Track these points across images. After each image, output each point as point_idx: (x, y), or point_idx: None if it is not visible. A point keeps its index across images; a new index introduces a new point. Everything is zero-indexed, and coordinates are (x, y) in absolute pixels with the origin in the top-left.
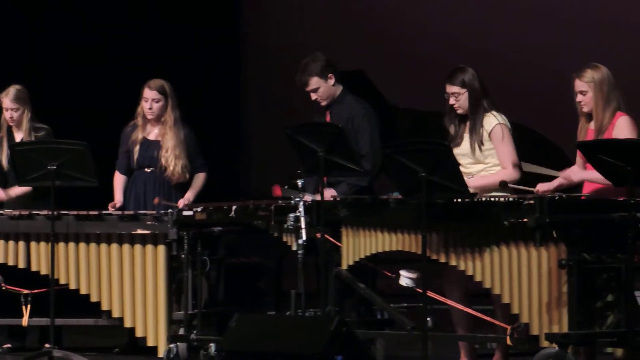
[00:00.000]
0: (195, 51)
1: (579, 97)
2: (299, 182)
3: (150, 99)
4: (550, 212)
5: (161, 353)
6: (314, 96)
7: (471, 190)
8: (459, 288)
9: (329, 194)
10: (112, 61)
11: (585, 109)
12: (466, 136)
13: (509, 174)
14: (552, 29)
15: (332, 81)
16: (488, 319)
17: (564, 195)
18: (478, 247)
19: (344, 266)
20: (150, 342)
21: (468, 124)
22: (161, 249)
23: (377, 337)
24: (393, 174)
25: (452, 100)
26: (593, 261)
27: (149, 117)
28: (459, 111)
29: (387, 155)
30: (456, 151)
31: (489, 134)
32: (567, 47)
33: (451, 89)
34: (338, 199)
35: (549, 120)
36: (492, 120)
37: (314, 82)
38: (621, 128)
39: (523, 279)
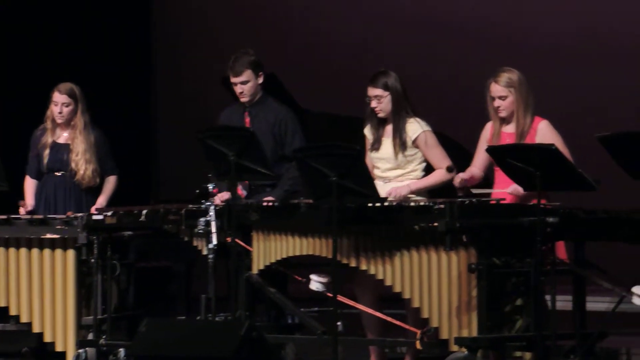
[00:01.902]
0: (105, 54)
1: (498, 102)
2: (210, 186)
3: (60, 102)
4: (460, 216)
5: (70, 358)
6: (240, 89)
7: (410, 194)
8: (370, 292)
9: (265, 198)
10: (21, 64)
11: (503, 114)
12: (386, 140)
13: (446, 173)
14: (459, 38)
15: (260, 79)
16: (398, 323)
17: (474, 200)
18: (388, 251)
19: (255, 270)
20: (58, 348)
21: (388, 128)
22: (70, 253)
23: (288, 341)
24: (304, 178)
25: (374, 103)
26: (502, 265)
27: (59, 121)
28: (380, 115)
29: (298, 160)
30: (375, 155)
31: (414, 141)
32: (474, 55)
33: (373, 91)
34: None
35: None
36: (417, 128)
37: (247, 74)
38: (545, 133)
39: (433, 283)
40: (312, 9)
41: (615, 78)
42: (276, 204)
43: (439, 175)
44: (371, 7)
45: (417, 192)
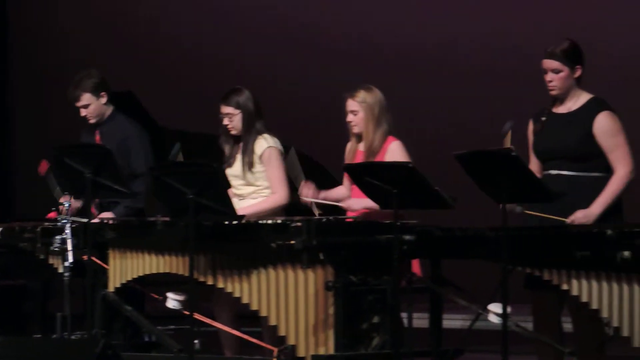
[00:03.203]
0: None
1: (350, 117)
2: (65, 204)
3: None
4: (317, 234)
5: None
6: (83, 112)
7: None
8: (228, 310)
9: (105, 216)
10: None
11: (355, 130)
12: (239, 157)
13: (279, 199)
14: (322, 55)
15: (104, 99)
16: (255, 341)
17: (330, 218)
18: (246, 269)
19: (111, 288)
20: None
21: (241, 145)
22: None
23: (144, 359)
24: (161, 196)
25: (226, 121)
26: (359, 283)
27: None
28: (233, 132)
29: (155, 177)
30: (229, 172)
31: (260, 157)
32: (337, 73)
33: (225, 109)
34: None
35: (320, 144)
36: (263, 144)
37: (86, 98)
38: (394, 153)
39: (290, 301)
40: (173, 26)
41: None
42: (114, 221)
43: (270, 202)
44: (233, 24)
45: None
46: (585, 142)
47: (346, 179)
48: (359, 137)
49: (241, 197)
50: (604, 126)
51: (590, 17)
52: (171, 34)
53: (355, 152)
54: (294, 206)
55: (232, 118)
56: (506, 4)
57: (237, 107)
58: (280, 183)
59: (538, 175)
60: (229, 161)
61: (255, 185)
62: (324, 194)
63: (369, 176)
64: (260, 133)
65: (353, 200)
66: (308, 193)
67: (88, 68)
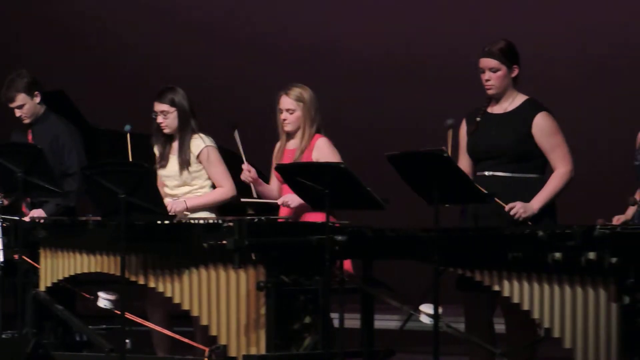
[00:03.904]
0: None
1: (285, 115)
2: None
3: None
4: (249, 234)
5: None
6: (18, 113)
7: (186, 211)
8: (161, 310)
9: (37, 214)
10: None
11: (288, 128)
12: (172, 157)
13: (226, 191)
14: (253, 55)
15: (37, 99)
16: (187, 340)
17: (262, 218)
18: (177, 269)
19: (42, 288)
20: None
21: (174, 144)
22: None
23: (75, 359)
24: (93, 196)
25: (160, 119)
26: (291, 283)
27: None
28: (166, 130)
29: (87, 177)
30: (162, 173)
31: (197, 157)
32: (270, 72)
33: (160, 107)
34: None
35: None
36: (200, 143)
37: (20, 98)
38: (321, 150)
39: (222, 301)
40: (106, 24)
41: (410, 97)
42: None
43: (218, 194)
44: (167, 22)
45: (195, 209)
46: (523, 142)
47: (275, 179)
48: (288, 135)
49: (175, 197)
50: (544, 126)
51: (521, 19)
52: (103, 31)
53: (283, 151)
54: (226, 206)
55: (167, 116)
56: (439, 6)
57: (172, 104)
58: (225, 178)
59: (469, 175)
60: (162, 162)
61: (191, 185)
62: (261, 185)
63: (300, 176)
64: (195, 132)
65: (290, 196)
66: (248, 176)
67: (18, 68)
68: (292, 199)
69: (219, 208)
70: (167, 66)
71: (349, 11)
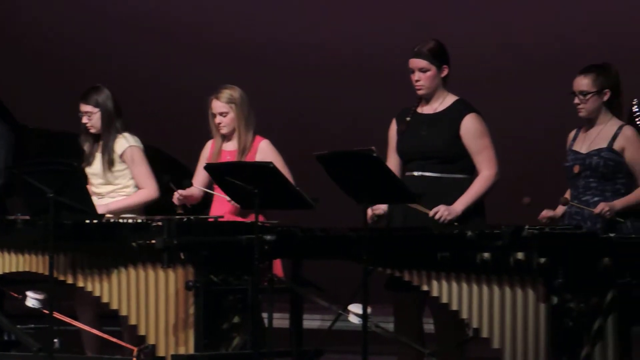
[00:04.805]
0: None
1: (219, 119)
2: None
3: None
4: (178, 234)
5: None
6: None
7: (109, 214)
8: (90, 309)
9: None
10: None
11: (224, 131)
12: (98, 156)
13: (148, 193)
14: (186, 53)
15: None
16: (115, 340)
17: (192, 217)
18: (106, 268)
19: None
20: None
21: (101, 143)
22: None
23: (3, 358)
24: (22, 194)
25: (85, 120)
26: (220, 283)
27: None
28: (92, 130)
29: (15, 176)
30: (88, 171)
31: (121, 156)
32: (201, 71)
33: (84, 107)
34: None
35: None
36: (124, 143)
37: None
38: (265, 153)
39: (151, 300)
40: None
41: (336, 95)
42: None
43: (140, 196)
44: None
45: (117, 213)
46: (452, 143)
47: (199, 177)
48: (224, 137)
49: (100, 195)
50: (471, 128)
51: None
52: (32, 28)
53: (220, 153)
54: (155, 205)
55: (91, 116)
56: (368, 6)
57: (96, 105)
58: (148, 179)
59: (398, 174)
60: (89, 159)
61: (114, 184)
62: (189, 192)
63: (230, 176)
64: (119, 132)
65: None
66: (181, 200)
67: None
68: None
69: (147, 208)
70: (105, 63)
71: (284, 8)
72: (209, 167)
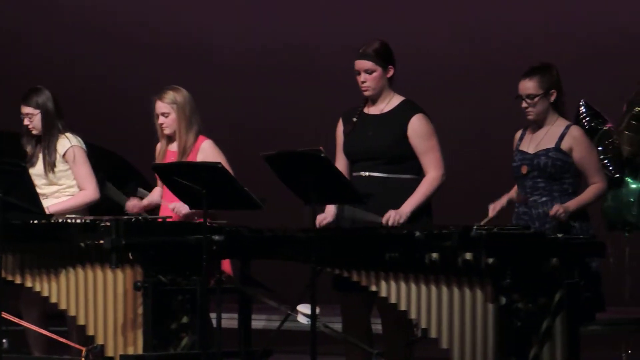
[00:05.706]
0: None
1: (161, 119)
2: None
3: None
4: (127, 234)
5: None
6: None
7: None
8: (37, 309)
9: None
10: None
11: (167, 131)
12: (41, 157)
13: (89, 194)
14: (132, 53)
15: None
16: (63, 340)
17: (140, 217)
18: (54, 268)
19: None
20: None
21: (42, 145)
22: None
23: None
24: None
25: (26, 121)
26: (168, 283)
27: None
28: (34, 132)
29: None
30: (32, 171)
31: (63, 156)
32: (147, 71)
33: (25, 109)
34: None
35: (127, 142)
36: (66, 143)
37: None
38: (206, 152)
39: (99, 300)
40: None
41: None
42: None
43: (80, 198)
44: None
45: (59, 214)
46: (399, 144)
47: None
48: (170, 138)
49: (44, 196)
50: (418, 129)
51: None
52: None
53: (165, 153)
54: (102, 205)
55: (32, 118)
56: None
57: (37, 107)
58: (89, 179)
59: (346, 174)
60: (32, 160)
61: (59, 185)
62: (147, 201)
63: (177, 176)
64: (61, 132)
65: (179, 203)
66: (134, 206)
67: None
68: (182, 206)
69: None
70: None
71: (227, 10)
72: (156, 168)
